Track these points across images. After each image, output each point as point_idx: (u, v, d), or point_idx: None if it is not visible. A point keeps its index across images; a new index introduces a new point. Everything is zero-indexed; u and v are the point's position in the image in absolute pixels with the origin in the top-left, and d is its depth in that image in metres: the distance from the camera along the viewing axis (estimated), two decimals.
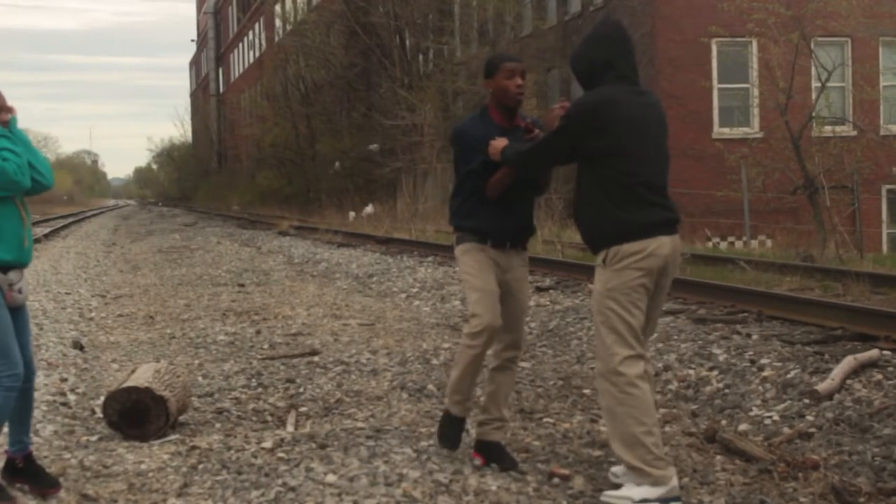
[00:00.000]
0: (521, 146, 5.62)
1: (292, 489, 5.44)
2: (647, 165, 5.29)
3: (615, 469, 5.63)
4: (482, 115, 5.99)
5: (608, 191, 5.26)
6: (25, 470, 5.55)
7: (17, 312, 5.37)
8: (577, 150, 5.34)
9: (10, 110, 5.40)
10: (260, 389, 8.23)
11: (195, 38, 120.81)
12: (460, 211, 5.98)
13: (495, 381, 5.97)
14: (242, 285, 16.47)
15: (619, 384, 5.21)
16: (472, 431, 6.28)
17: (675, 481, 5.23)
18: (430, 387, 8.08)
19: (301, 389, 8.16)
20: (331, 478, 5.59)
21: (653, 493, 5.16)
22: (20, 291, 5.33)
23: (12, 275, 5.29)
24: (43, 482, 5.54)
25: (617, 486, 5.44)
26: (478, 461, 5.92)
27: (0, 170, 5.16)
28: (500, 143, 5.68)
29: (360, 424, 6.93)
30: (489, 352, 5.89)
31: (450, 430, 5.97)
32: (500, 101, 5.86)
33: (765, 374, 7.73)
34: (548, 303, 12.25)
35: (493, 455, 5.91)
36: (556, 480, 5.64)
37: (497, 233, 5.85)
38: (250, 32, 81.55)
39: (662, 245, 5.25)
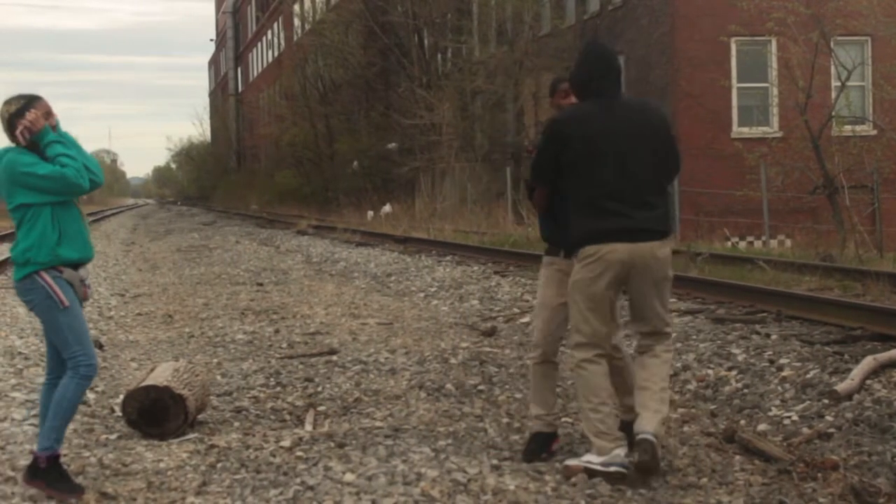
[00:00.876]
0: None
1: (311, 488, 5.45)
2: (608, 178, 5.73)
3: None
4: None
5: (572, 200, 5.88)
6: (47, 472, 5.58)
7: None
8: (558, 162, 5.89)
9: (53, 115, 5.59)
10: (278, 388, 8.25)
11: (214, 37, 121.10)
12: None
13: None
14: (261, 284, 16.50)
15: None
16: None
17: (617, 451, 5.70)
18: (449, 386, 8.08)
19: (319, 388, 8.17)
20: (349, 477, 5.59)
21: (596, 459, 5.70)
22: (89, 286, 5.75)
23: (82, 271, 5.65)
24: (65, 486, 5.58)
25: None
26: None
27: (61, 175, 5.40)
28: None
29: (378, 423, 6.94)
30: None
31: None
32: None
33: (784, 374, 7.70)
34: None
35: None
36: (574, 480, 5.63)
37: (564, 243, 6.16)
38: (269, 32, 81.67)
39: (615, 250, 5.70)
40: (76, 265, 5.61)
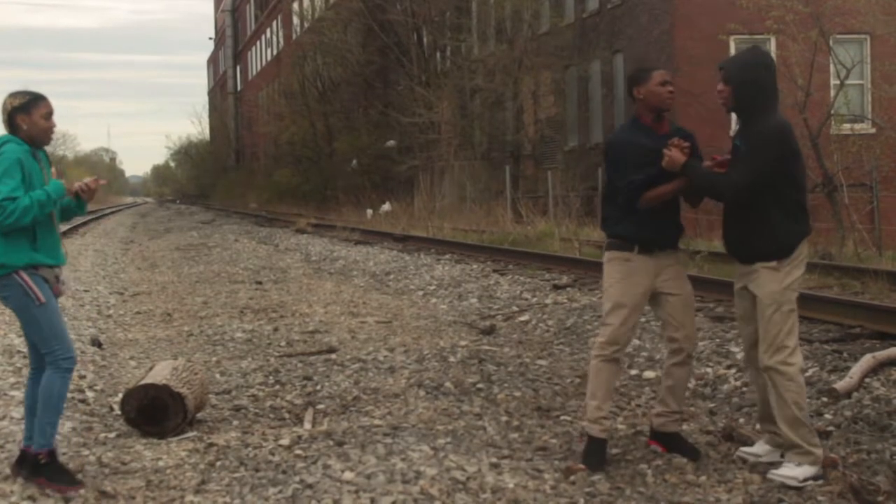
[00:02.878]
0: (718, 173, 5.94)
1: (310, 486, 5.45)
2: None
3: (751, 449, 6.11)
4: (634, 124, 6.19)
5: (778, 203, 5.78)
6: (47, 467, 5.61)
7: None
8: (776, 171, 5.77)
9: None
10: (277, 387, 8.25)
11: (213, 36, 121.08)
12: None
13: (673, 376, 6.13)
14: (260, 283, 16.50)
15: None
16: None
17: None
18: (448, 384, 8.07)
19: (318, 387, 8.17)
20: (348, 475, 5.59)
21: (810, 472, 5.59)
22: (64, 283, 5.79)
23: (57, 269, 5.73)
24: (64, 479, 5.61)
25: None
26: (657, 448, 6.20)
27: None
28: (678, 156, 5.84)
29: (377, 422, 6.94)
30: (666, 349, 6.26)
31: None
32: (653, 106, 6.07)
33: None
34: (565, 300, 12.24)
35: (672, 445, 6.14)
36: (573, 478, 5.63)
37: (648, 238, 6.06)
38: (268, 30, 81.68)
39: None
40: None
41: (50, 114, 5.63)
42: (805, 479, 5.54)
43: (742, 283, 5.92)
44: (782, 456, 5.79)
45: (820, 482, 5.54)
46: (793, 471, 5.60)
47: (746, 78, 5.78)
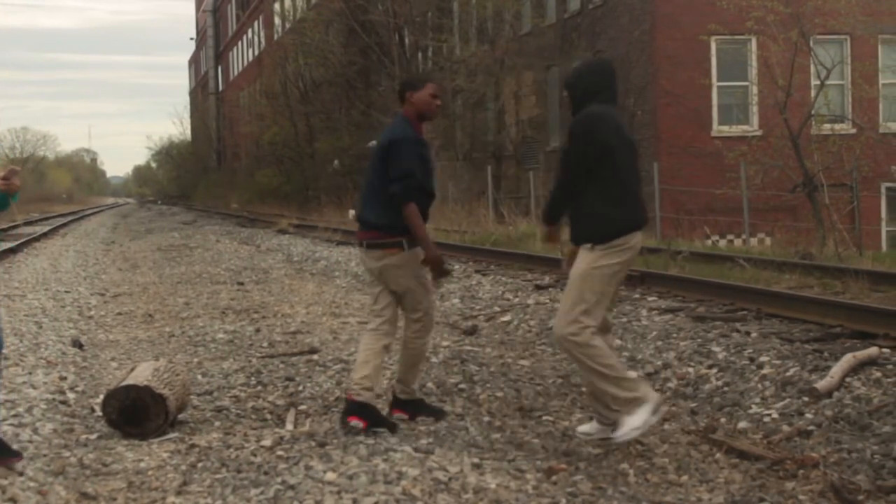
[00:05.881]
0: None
1: (291, 487, 5.44)
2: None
3: (583, 427, 6.48)
4: (407, 121, 6.78)
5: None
6: None
7: None
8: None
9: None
10: (259, 388, 8.23)
11: (194, 36, 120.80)
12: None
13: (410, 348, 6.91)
14: (242, 283, 16.47)
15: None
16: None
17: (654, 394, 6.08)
18: (430, 385, 8.07)
19: (300, 388, 8.16)
20: (330, 476, 5.58)
21: (637, 421, 5.93)
22: None
23: None
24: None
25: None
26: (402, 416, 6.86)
27: None
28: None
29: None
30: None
31: None
32: (421, 113, 6.77)
33: (764, 371, 7.73)
34: (547, 301, 12.25)
35: (416, 410, 6.92)
36: (555, 478, 5.64)
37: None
38: (249, 30, 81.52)
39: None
40: None
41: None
42: (645, 422, 5.92)
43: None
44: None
45: (659, 414, 6.06)
46: (629, 422, 5.92)
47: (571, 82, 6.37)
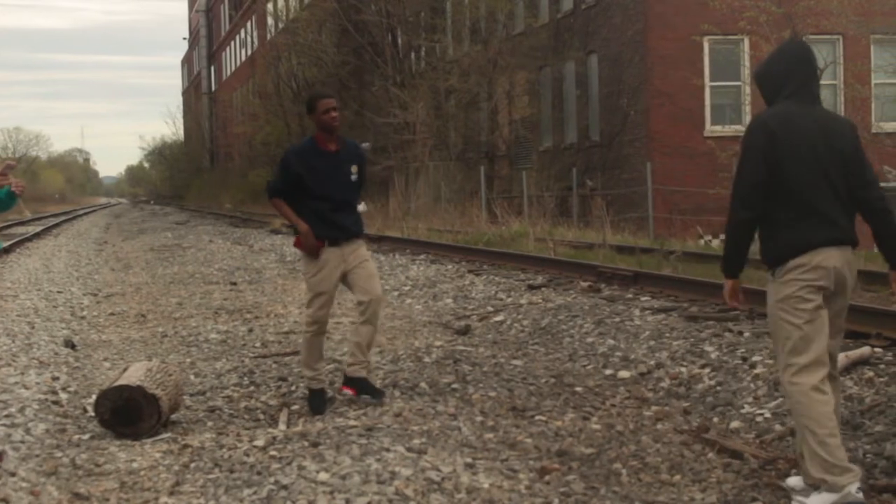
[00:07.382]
0: None
1: (284, 487, 5.44)
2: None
3: (790, 480, 5.51)
4: (311, 141, 7.69)
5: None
6: None
7: None
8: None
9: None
10: (252, 388, 8.23)
11: (187, 36, 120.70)
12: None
13: (360, 334, 7.64)
14: (234, 283, 16.45)
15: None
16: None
17: (851, 488, 5.06)
18: (423, 385, 8.08)
19: (293, 388, 8.16)
20: (323, 476, 5.58)
21: (828, 499, 5.06)
22: None
23: None
24: None
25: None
26: (349, 393, 7.52)
27: None
28: None
29: (352, 422, 6.93)
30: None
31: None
32: (322, 128, 7.49)
33: (756, 371, 7.74)
34: (540, 300, 12.25)
35: (361, 388, 7.51)
36: (547, 478, 5.64)
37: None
38: (242, 31, 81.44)
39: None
40: None
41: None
42: None
43: None
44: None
45: None
46: (811, 501, 5.13)
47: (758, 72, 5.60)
